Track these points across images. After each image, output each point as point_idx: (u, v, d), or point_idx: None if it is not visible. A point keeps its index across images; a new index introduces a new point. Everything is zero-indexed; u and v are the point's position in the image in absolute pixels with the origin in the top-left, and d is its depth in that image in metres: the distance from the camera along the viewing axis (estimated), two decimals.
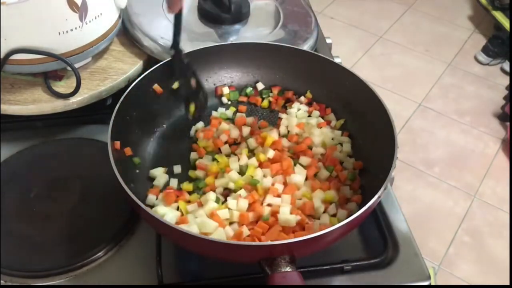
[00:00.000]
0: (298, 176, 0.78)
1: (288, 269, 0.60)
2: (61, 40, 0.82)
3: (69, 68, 0.85)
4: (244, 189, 0.76)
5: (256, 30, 1.02)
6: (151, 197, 0.76)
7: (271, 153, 0.81)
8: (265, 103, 0.94)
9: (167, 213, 0.72)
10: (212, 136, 0.86)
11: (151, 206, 0.75)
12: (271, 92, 0.94)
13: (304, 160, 0.81)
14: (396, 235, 0.77)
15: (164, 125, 0.88)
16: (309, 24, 1.05)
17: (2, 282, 0.71)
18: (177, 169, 0.82)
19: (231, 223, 0.73)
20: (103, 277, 0.72)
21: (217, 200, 0.75)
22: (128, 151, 0.78)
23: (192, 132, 0.88)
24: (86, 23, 0.83)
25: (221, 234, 0.69)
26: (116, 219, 0.77)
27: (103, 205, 0.79)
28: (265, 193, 0.76)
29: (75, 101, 0.86)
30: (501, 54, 2.68)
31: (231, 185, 0.78)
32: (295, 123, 0.88)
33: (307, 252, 0.67)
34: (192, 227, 0.69)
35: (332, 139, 0.87)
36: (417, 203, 2.03)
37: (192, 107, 0.85)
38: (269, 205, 0.74)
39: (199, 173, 0.81)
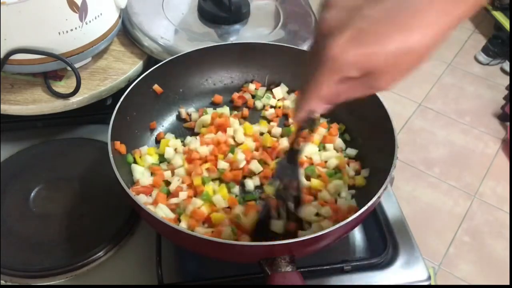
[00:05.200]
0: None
1: (288, 269, 0.60)
2: (61, 40, 0.82)
3: (69, 68, 0.85)
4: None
5: (256, 30, 1.02)
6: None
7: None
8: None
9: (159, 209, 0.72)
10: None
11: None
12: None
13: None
14: (396, 235, 0.77)
15: (164, 125, 0.88)
16: (309, 24, 1.05)
17: (2, 282, 0.71)
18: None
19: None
20: (103, 277, 0.72)
21: None
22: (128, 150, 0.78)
23: (196, 129, 0.88)
24: (86, 23, 0.83)
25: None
26: (116, 219, 0.77)
27: (103, 205, 0.79)
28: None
29: (75, 101, 0.86)
30: (501, 54, 2.68)
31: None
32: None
33: (307, 252, 0.67)
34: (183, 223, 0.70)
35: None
36: (417, 203, 2.03)
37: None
38: None
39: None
